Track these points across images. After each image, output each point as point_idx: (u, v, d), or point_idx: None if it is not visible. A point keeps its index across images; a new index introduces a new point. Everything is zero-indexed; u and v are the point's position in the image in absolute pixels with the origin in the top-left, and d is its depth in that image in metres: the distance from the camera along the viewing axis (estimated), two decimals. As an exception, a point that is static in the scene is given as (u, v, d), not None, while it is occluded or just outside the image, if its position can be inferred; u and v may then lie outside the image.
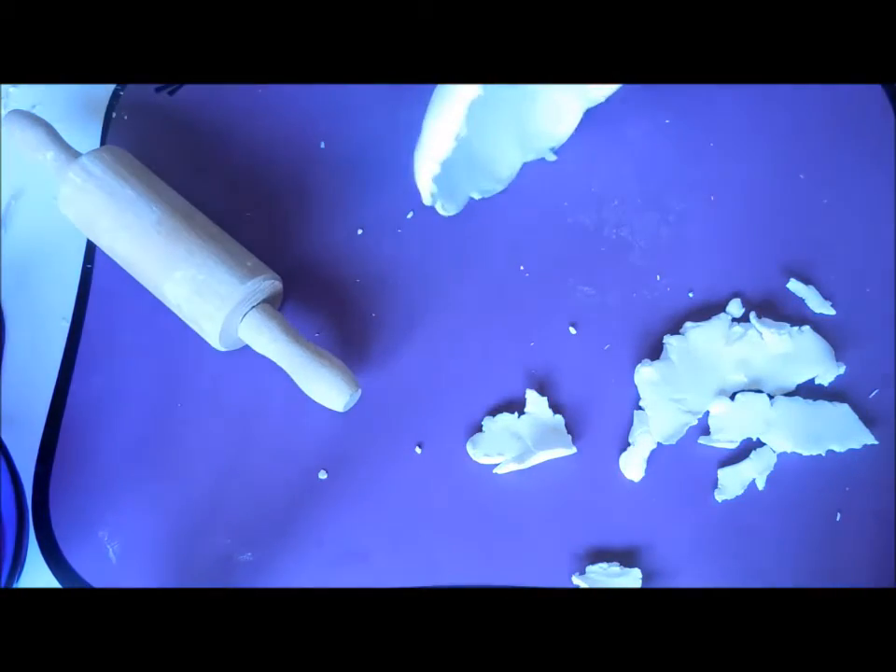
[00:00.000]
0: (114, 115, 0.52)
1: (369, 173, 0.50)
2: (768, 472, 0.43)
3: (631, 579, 0.41)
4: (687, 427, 0.44)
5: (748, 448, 0.44)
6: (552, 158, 0.49)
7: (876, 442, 0.44)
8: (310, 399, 0.43)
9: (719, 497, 0.43)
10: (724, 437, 0.44)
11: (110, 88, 0.53)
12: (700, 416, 0.45)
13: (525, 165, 0.49)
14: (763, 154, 0.50)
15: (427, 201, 0.46)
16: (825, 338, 0.46)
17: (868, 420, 0.44)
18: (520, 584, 0.42)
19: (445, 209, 0.47)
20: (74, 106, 0.53)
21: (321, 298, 0.48)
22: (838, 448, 0.44)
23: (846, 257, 0.48)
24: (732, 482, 0.43)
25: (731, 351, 0.46)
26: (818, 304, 0.47)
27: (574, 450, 0.44)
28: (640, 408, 0.45)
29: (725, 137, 0.50)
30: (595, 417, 0.45)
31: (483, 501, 0.44)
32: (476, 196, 0.48)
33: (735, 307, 0.47)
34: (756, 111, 0.51)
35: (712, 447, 0.44)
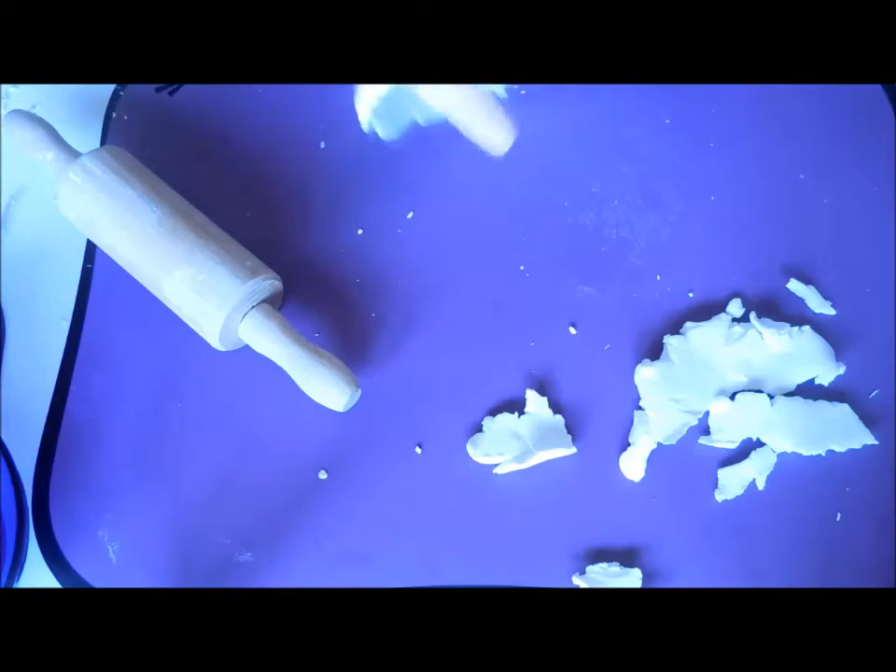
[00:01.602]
0: (114, 115, 0.52)
1: (369, 173, 0.50)
2: (768, 472, 0.43)
3: (631, 579, 0.41)
4: (687, 427, 0.44)
5: (748, 448, 0.44)
6: (503, 95, 0.45)
7: (876, 442, 0.44)
8: (310, 398, 0.43)
9: (719, 497, 0.43)
10: (724, 437, 0.44)
11: (110, 88, 0.53)
12: (700, 416, 0.45)
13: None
14: (763, 154, 0.50)
15: (365, 127, 0.45)
16: (825, 338, 0.46)
17: (868, 420, 0.44)
18: (520, 584, 0.42)
19: (385, 133, 0.45)
20: (74, 106, 0.53)
21: (321, 298, 0.48)
22: (838, 448, 0.44)
23: (846, 257, 0.48)
24: (732, 482, 0.43)
25: (731, 351, 0.46)
26: (818, 304, 0.47)
27: (574, 450, 0.44)
28: (640, 408, 0.45)
29: (725, 137, 0.50)
30: (595, 417, 0.45)
31: (483, 501, 0.44)
32: (421, 122, 0.46)
33: (735, 307, 0.47)
34: (756, 111, 0.51)
35: (712, 447, 0.44)
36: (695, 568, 0.42)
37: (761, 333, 0.46)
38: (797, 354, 0.45)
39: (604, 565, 0.42)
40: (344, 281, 0.48)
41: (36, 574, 0.43)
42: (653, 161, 0.50)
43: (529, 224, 0.49)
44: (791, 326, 0.46)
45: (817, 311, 0.47)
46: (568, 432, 0.45)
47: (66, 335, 0.47)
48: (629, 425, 0.45)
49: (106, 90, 0.53)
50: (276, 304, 0.47)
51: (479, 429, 0.45)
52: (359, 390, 0.43)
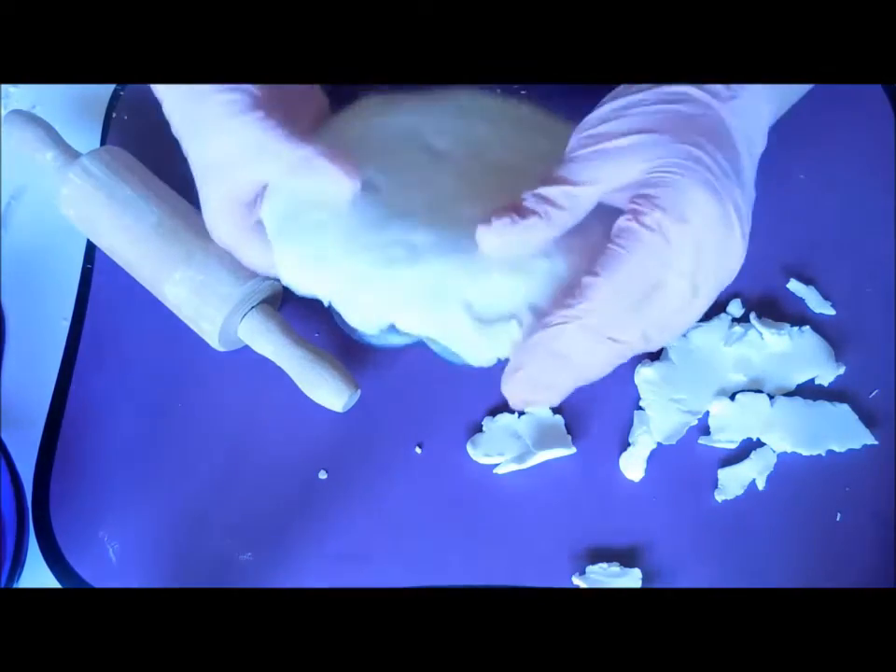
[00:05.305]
0: (114, 115, 0.52)
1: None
2: (768, 472, 0.43)
3: (631, 579, 0.41)
4: (687, 427, 0.44)
5: (748, 448, 0.44)
6: None
7: (876, 442, 0.44)
8: (310, 399, 0.43)
9: (719, 497, 0.43)
10: (724, 437, 0.44)
11: (110, 88, 0.53)
12: (700, 416, 0.45)
13: None
14: (762, 154, 0.50)
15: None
16: (825, 338, 0.46)
17: (868, 420, 0.44)
18: (520, 584, 0.42)
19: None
20: (74, 106, 0.53)
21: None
22: (838, 448, 0.44)
23: (846, 257, 0.48)
24: (732, 482, 0.43)
25: (731, 351, 0.46)
26: (818, 304, 0.47)
27: (574, 450, 0.44)
28: (640, 408, 0.45)
29: (725, 137, 0.50)
30: (595, 417, 0.45)
31: (483, 501, 0.44)
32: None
33: (735, 307, 0.47)
34: (756, 111, 0.51)
35: (712, 447, 0.44)
36: (695, 568, 0.42)
37: (761, 333, 0.46)
38: (797, 354, 0.45)
39: (604, 565, 0.42)
40: (344, 281, 0.48)
41: (36, 574, 0.43)
42: (653, 161, 0.50)
43: (529, 224, 0.49)
44: (791, 326, 0.46)
45: (817, 311, 0.47)
46: (568, 432, 0.45)
47: (66, 335, 0.47)
48: (629, 425, 0.45)
49: (106, 90, 0.53)
50: (276, 304, 0.47)
51: (479, 429, 0.45)
52: (359, 390, 0.43)
